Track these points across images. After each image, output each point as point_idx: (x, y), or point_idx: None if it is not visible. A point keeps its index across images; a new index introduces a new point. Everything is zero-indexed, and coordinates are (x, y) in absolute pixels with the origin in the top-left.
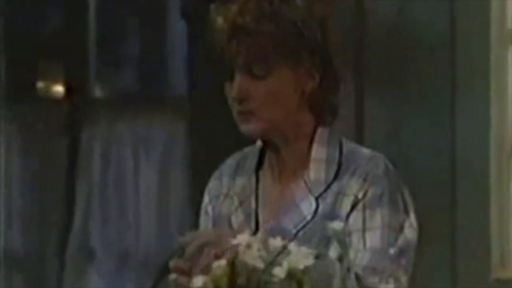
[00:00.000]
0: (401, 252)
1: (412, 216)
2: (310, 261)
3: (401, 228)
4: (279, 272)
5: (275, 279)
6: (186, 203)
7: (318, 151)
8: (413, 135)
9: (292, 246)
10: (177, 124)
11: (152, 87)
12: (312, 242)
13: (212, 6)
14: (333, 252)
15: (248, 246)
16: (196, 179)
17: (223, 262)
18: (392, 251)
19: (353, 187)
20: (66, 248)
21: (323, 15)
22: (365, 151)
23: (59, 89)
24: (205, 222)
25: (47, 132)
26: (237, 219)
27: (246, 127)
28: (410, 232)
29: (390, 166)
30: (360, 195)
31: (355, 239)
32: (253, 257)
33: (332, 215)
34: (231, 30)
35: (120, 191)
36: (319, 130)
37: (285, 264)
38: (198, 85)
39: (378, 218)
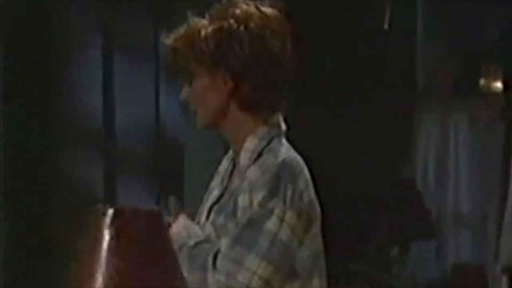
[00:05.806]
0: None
1: (288, 211)
2: None
3: (271, 212)
4: None
5: None
6: None
7: (249, 143)
8: None
9: None
10: None
11: None
12: (222, 215)
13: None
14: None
15: None
16: None
17: None
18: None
19: (252, 173)
20: None
21: (243, 35)
22: (283, 149)
23: (498, 85)
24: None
25: (488, 119)
26: (215, 193)
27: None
28: (278, 224)
29: (292, 164)
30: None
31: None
32: None
33: (237, 195)
34: (170, 48)
35: None
36: (259, 128)
37: None
38: None
39: (256, 197)
